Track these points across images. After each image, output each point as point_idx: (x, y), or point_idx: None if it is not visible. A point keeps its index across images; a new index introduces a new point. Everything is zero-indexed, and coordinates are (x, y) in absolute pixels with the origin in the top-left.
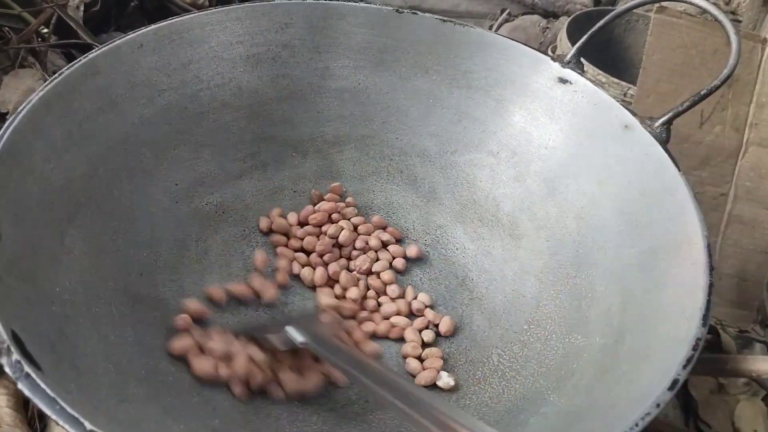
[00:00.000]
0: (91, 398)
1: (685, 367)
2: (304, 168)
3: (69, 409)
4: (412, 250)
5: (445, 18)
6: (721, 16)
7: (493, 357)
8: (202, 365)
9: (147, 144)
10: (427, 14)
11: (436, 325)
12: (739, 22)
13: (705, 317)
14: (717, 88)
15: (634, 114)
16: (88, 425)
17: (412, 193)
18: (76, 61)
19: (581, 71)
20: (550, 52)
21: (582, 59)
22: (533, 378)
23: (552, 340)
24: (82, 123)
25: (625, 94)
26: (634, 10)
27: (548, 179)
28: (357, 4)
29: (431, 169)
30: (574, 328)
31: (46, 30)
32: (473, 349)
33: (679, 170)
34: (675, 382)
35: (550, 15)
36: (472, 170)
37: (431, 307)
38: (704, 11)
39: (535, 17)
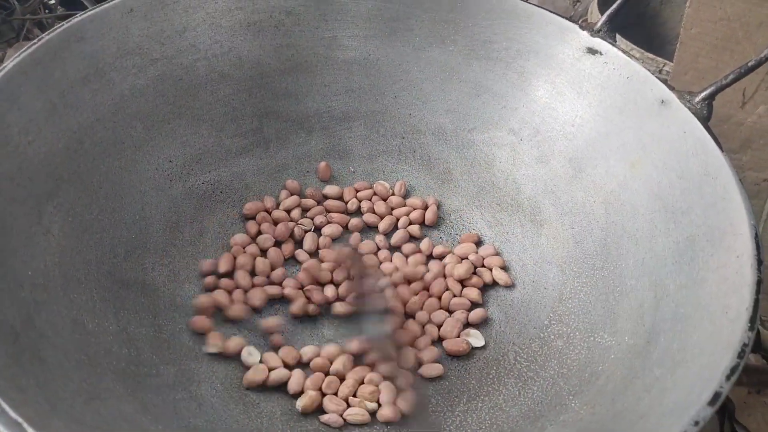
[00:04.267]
0: (53, 396)
1: (729, 377)
2: (310, 146)
3: (11, 413)
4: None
5: None
6: None
7: (510, 355)
8: None
9: (138, 117)
10: None
11: None
12: None
13: (752, 319)
14: (766, 59)
15: (671, 88)
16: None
17: (426, 175)
18: (57, 26)
19: (612, 41)
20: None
21: (616, 34)
22: (553, 380)
23: (575, 339)
24: (66, 93)
25: (660, 71)
26: None
27: (574, 160)
28: None
29: (446, 149)
30: (600, 325)
31: (53, 0)
32: (487, 346)
33: (722, 151)
34: (716, 395)
35: None
36: (490, 150)
37: None
38: None
39: None
